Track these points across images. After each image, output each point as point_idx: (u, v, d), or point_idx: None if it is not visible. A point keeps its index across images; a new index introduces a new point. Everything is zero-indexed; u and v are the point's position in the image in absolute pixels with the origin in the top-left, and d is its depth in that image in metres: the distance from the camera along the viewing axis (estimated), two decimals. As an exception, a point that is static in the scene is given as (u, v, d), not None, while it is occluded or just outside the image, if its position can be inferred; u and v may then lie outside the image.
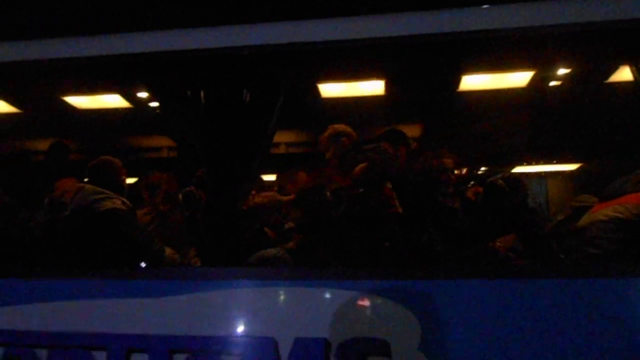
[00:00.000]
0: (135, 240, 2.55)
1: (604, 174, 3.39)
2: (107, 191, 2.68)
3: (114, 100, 3.32)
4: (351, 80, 3.02)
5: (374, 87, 3.06)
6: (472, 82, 3.03)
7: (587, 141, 4.14)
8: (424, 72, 2.77)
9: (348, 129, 3.03)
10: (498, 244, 2.32)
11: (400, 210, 2.52)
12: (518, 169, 4.86)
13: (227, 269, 2.35)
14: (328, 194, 2.54)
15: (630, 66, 2.34)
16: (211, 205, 2.49)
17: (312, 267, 2.38)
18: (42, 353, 2.28)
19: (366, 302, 2.23)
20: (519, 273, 2.15)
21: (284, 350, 2.14)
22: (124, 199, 2.69)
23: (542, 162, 5.05)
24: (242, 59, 2.66)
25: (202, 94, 2.64)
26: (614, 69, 2.80)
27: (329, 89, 3.17)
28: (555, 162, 5.20)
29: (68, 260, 2.61)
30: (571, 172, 5.63)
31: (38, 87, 2.92)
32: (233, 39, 2.63)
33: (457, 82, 2.95)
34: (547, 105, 3.23)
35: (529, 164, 4.77)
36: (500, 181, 2.42)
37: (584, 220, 2.60)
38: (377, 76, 2.92)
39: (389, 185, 2.56)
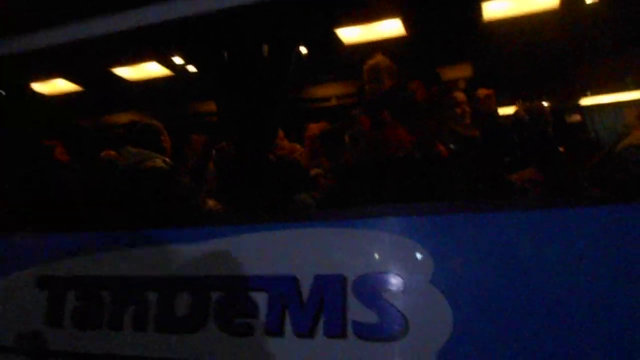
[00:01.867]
0: (176, 195, 2.82)
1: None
2: (148, 152, 2.97)
3: (153, 69, 3.60)
4: (369, 22, 2.98)
5: (394, 27, 2.99)
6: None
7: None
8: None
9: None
10: (514, 176, 2.25)
11: (414, 151, 2.52)
12: (588, 100, 4.51)
13: (251, 214, 2.55)
14: (346, 137, 2.60)
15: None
16: (241, 157, 2.67)
17: (329, 209, 2.49)
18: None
19: (380, 239, 2.31)
20: (529, 204, 2.10)
21: (305, 287, 2.32)
22: (165, 158, 2.96)
23: (616, 91, 4.60)
24: (255, 15, 2.76)
25: (223, 53, 2.79)
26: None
27: (349, 35, 3.16)
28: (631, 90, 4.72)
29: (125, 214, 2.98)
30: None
31: (87, 65, 3.25)
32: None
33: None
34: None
35: (600, 93, 4.40)
36: (522, 111, 2.32)
37: (620, 145, 2.42)
38: (394, 14, 2.86)
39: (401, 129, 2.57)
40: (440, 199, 2.42)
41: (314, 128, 4.11)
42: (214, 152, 2.99)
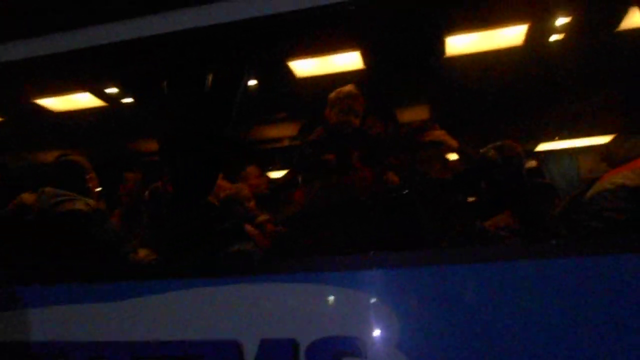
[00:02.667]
0: (99, 242, 2.43)
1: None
2: (69, 193, 2.57)
3: (84, 99, 3.23)
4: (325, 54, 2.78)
5: (351, 59, 2.81)
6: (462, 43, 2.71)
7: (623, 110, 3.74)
8: (406, 36, 2.49)
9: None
10: (488, 223, 2.04)
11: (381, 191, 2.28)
12: (543, 147, 4.49)
13: (186, 266, 2.19)
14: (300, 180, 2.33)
15: None
16: (175, 199, 2.34)
17: (278, 259, 2.17)
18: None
19: (338, 297, 2.01)
20: (509, 254, 1.88)
21: (249, 353, 1.97)
22: (89, 200, 2.57)
23: (571, 137, 4.63)
24: (201, 42, 2.50)
25: (163, 82, 2.49)
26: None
27: (302, 67, 2.94)
28: (585, 136, 4.77)
29: (36, 264, 2.54)
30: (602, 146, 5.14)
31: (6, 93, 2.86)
32: (190, 20, 2.48)
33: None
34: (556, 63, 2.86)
35: (554, 139, 4.39)
36: (492, 151, 2.13)
37: (592, 190, 2.27)
38: (353, 46, 2.68)
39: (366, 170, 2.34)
40: (407, 249, 2.17)
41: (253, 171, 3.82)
42: (147, 192, 2.64)
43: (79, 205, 2.53)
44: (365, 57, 2.78)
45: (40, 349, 2.22)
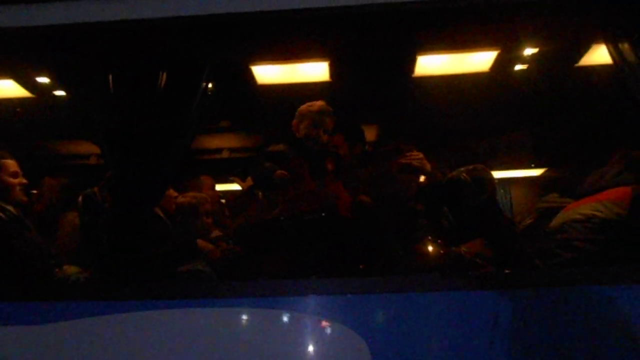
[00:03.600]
0: (19, 255, 2.05)
1: (570, 178, 3.13)
2: None
3: (7, 87, 2.79)
4: (290, 62, 2.62)
5: (318, 70, 2.67)
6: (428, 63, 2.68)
7: (555, 143, 3.91)
8: (374, 50, 2.40)
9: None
10: (463, 249, 1.97)
11: (348, 212, 2.13)
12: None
13: (129, 288, 1.90)
14: (260, 194, 2.13)
15: (607, 44, 2.05)
16: (116, 208, 2.04)
17: (235, 281, 1.95)
18: None
19: (304, 324, 1.82)
20: (487, 283, 1.80)
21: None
22: (6, 205, 2.18)
23: (504, 168, 4.80)
24: (156, 33, 2.24)
25: (108, 74, 2.19)
26: (585, 49, 2.52)
27: (265, 73, 2.75)
28: (519, 167, 4.97)
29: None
30: (535, 177, 5.41)
31: None
32: (145, 9, 2.21)
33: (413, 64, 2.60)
34: (511, 95, 2.92)
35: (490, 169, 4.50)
36: (464, 175, 2.06)
37: (556, 220, 2.28)
38: (321, 56, 2.54)
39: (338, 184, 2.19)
40: (378, 273, 2.02)
41: (206, 181, 3.56)
42: (80, 199, 2.29)
43: None
44: (332, 69, 2.64)
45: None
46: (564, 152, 3.88)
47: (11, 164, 2.32)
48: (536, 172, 4.99)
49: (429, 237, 2.08)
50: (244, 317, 1.85)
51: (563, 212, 2.32)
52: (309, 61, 2.63)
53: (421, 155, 2.21)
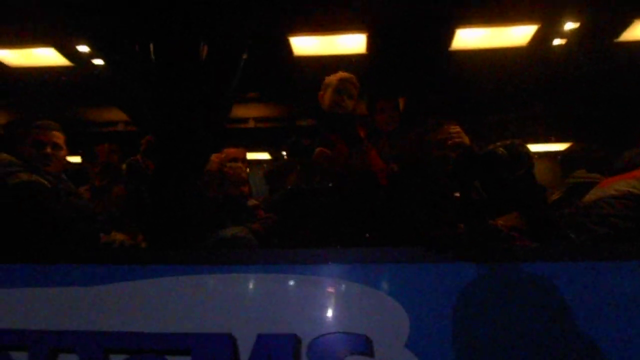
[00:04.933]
0: (59, 219, 2.11)
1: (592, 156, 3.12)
2: (26, 163, 2.22)
3: (47, 55, 2.82)
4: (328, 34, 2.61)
5: (355, 43, 2.66)
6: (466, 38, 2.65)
7: (581, 119, 3.88)
8: (412, 25, 2.39)
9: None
10: (500, 222, 2.00)
11: (385, 182, 2.16)
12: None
13: (175, 252, 1.97)
14: (299, 167, 2.16)
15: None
16: (160, 177, 2.09)
17: (279, 249, 2.00)
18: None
19: (344, 291, 1.88)
20: (524, 256, 1.84)
21: (245, 349, 1.78)
22: (47, 171, 2.23)
23: (530, 142, 4.79)
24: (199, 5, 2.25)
25: (149, 45, 2.21)
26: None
27: (303, 45, 2.75)
28: (542, 141, 4.94)
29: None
30: (557, 152, 5.39)
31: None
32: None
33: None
34: (545, 71, 2.89)
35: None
36: (501, 149, 2.07)
37: (590, 195, 2.29)
38: (359, 29, 2.53)
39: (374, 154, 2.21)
40: (416, 243, 2.07)
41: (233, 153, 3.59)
42: (124, 167, 2.34)
43: (35, 177, 2.19)
44: (370, 41, 2.64)
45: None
46: (589, 127, 3.86)
47: (57, 131, 2.38)
48: (559, 146, 4.98)
49: (464, 210, 2.11)
50: (287, 282, 1.92)
51: (597, 188, 2.33)
52: (346, 33, 2.62)
53: (459, 129, 2.22)
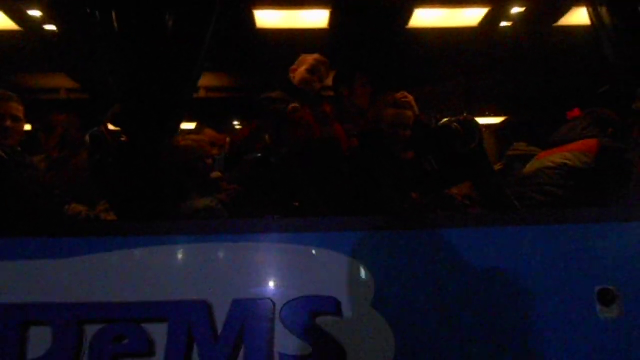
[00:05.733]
0: (20, 193, 2.04)
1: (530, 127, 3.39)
2: None
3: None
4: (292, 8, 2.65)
5: (318, 18, 2.71)
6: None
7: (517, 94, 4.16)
8: (373, 3, 2.47)
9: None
10: (455, 191, 2.17)
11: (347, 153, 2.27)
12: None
13: (152, 223, 1.98)
14: (267, 137, 2.21)
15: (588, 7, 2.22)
16: (129, 147, 2.06)
17: (250, 218, 2.06)
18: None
19: (314, 257, 1.99)
20: (476, 221, 2.02)
21: (220, 314, 1.85)
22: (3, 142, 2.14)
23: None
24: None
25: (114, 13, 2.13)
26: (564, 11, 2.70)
27: (266, 18, 2.76)
28: (483, 114, 5.24)
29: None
30: (495, 125, 5.74)
31: None
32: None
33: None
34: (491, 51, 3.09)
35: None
36: (456, 124, 2.23)
37: (529, 167, 2.53)
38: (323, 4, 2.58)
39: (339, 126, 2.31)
40: (377, 212, 2.20)
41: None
42: (87, 138, 2.27)
43: None
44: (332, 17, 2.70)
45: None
46: (524, 102, 4.16)
47: (13, 99, 2.26)
48: (497, 119, 5.31)
49: (418, 180, 2.26)
50: (258, 250, 1.99)
51: (535, 160, 2.58)
52: (310, 9, 2.67)
53: (411, 97, 2.36)
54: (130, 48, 2.12)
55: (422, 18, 2.76)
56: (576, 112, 4.34)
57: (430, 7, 2.65)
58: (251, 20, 2.68)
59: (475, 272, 1.96)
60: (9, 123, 2.18)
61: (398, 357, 1.86)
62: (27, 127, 2.77)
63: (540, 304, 1.92)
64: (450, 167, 2.35)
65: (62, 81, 4.04)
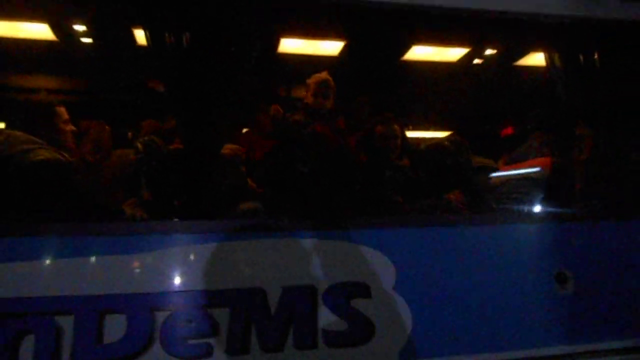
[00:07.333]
0: (80, 194, 2.18)
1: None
2: (40, 140, 2.20)
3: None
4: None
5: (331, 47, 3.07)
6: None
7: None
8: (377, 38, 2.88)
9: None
10: (451, 196, 2.63)
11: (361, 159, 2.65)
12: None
13: (211, 222, 2.22)
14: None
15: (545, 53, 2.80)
16: (189, 154, 2.26)
17: (294, 218, 2.38)
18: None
19: (347, 250, 2.34)
20: (469, 221, 2.50)
21: (273, 299, 2.15)
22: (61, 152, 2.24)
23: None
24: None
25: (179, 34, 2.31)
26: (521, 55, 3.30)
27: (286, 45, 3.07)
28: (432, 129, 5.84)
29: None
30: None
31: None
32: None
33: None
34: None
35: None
36: (447, 142, 2.71)
37: (496, 178, 3.08)
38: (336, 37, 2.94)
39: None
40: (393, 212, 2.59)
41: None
42: (140, 145, 2.41)
43: (53, 154, 2.19)
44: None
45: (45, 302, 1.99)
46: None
47: (63, 111, 2.36)
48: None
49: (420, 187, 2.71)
50: (304, 245, 2.29)
51: (501, 172, 3.14)
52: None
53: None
54: (191, 66, 2.30)
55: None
56: (509, 130, 5.10)
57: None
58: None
59: (469, 261, 2.42)
60: (68, 127, 2.28)
61: (415, 329, 2.28)
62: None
63: (515, 284, 2.39)
64: (444, 177, 2.83)
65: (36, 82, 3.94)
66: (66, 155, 2.25)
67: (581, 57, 2.75)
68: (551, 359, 2.36)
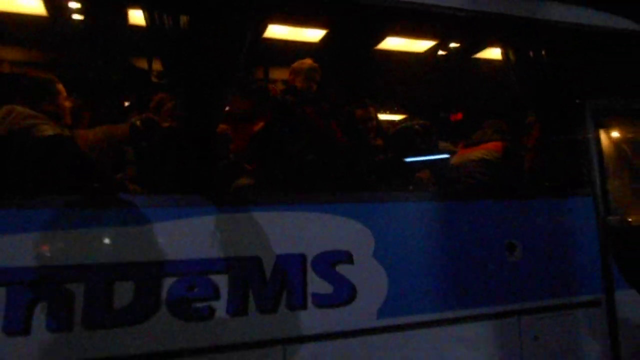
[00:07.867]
0: (89, 167, 2.24)
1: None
2: (42, 115, 2.22)
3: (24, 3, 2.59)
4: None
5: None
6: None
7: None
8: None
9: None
10: (421, 175, 2.92)
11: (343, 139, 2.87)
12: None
13: (212, 197, 2.36)
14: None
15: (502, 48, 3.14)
16: (189, 131, 2.37)
17: (287, 193, 2.57)
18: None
19: (333, 222, 2.58)
20: (438, 197, 2.81)
21: (268, 266, 2.36)
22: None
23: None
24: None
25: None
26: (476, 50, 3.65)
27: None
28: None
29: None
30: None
31: None
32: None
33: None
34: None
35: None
36: (417, 126, 2.99)
37: (456, 159, 3.41)
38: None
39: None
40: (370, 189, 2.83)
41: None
42: (138, 123, 2.47)
43: (58, 129, 2.23)
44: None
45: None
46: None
47: (62, 89, 2.38)
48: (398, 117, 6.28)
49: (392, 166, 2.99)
50: (294, 217, 2.49)
51: (459, 155, 3.46)
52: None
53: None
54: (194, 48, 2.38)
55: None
56: (459, 115, 5.51)
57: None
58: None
59: (437, 232, 2.75)
60: (67, 103, 2.32)
61: (391, 290, 2.57)
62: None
63: (472, 252, 2.74)
64: (411, 157, 3.13)
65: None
66: (66, 130, 2.30)
67: (530, 54, 3.10)
68: (503, 315, 2.73)
